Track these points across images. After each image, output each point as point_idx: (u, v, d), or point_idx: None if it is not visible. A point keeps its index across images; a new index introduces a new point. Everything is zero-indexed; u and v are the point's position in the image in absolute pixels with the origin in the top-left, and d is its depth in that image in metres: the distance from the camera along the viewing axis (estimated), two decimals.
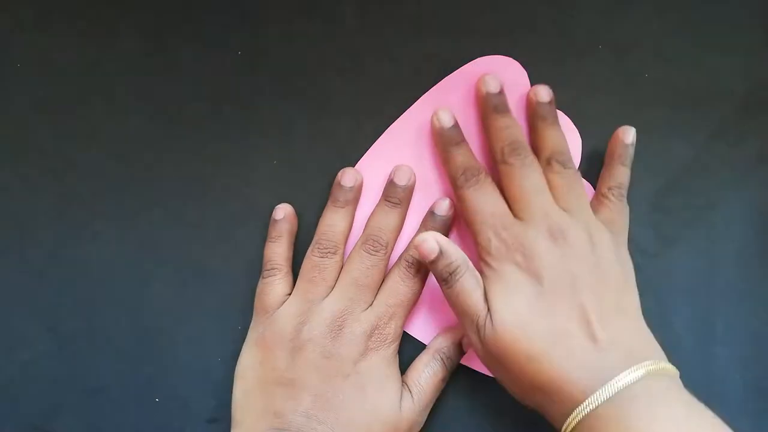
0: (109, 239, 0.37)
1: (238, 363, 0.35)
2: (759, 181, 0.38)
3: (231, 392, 0.35)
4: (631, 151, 0.36)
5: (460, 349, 0.36)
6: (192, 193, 0.38)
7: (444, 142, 0.36)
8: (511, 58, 0.38)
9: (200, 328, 0.36)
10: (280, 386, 0.33)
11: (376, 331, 0.34)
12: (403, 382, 0.35)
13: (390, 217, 0.36)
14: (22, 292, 0.37)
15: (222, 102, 0.38)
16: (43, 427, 0.36)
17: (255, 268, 0.37)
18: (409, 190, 0.37)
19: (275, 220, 0.36)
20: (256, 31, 0.38)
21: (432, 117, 0.36)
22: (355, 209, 0.37)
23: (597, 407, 0.28)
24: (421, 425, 0.35)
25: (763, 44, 0.38)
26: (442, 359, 0.35)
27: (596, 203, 0.36)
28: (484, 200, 0.34)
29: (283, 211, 0.36)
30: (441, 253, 0.32)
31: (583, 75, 0.38)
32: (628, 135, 0.36)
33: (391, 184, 0.36)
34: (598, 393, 0.28)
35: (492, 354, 0.32)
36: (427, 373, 0.35)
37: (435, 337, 0.36)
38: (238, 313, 0.37)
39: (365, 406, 0.33)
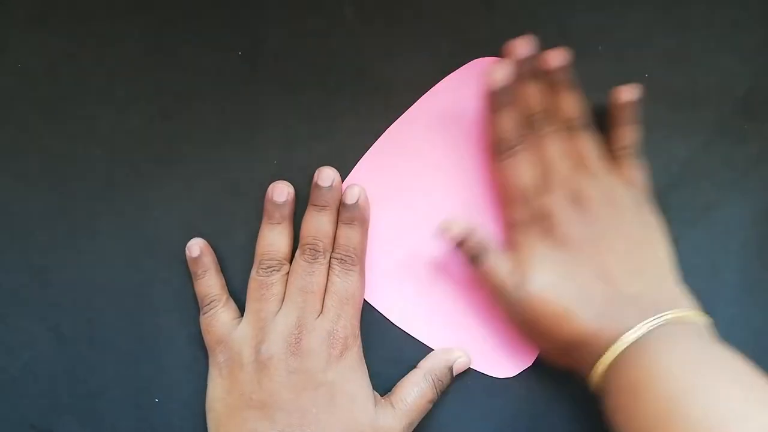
0: (109, 239, 0.37)
1: (206, 398, 0.35)
2: (759, 181, 0.38)
3: None
4: (633, 109, 0.36)
5: (451, 372, 0.36)
6: (192, 193, 0.38)
7: (493, 101, 0.35)
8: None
9: (200, 327, 0.36)
10: (251, 410, 0.33)
11: (332, 336, 0.34)
12: (388, 398, 0.35)
13: (320, 221, 0.36)
14: (22, 292, 0.37)
15: (222, 102, 0.38)
16: (42, 427, 0.36)
17: None
18: (335, 192, 0.36)
19: (195, 258, 0.36)
20: (256, 31, 0.38)
21: (488, 70, 0.34)
22: (291, 223, 0.37)
23: (620, 354, 0.30)
24: None
25: (763, 44, 0.38)
26: (432, 381, 0.35)
27: (611, 165, 0.36)
28: (515, 174, 0.35)
29: (198, 247, 0.36)
30: (467, 236, 0.34)
31: (583, 75, 0.38)
32: (626, 94, 0.36)
33: (315, 187, 0.36)
34: (620, 341, 0.30)
35: (527, 320, 0.33)
36: (416, 392, 0.35)
37: (428, 356, 0.36)
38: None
39: (339, 415, 0.33)
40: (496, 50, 0.38)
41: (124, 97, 0.38)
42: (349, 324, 0.35)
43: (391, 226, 0.37)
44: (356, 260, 0.36)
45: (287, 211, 0.36)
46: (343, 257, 0.35)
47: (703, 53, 0.39)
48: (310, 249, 0.35)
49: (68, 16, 0.38)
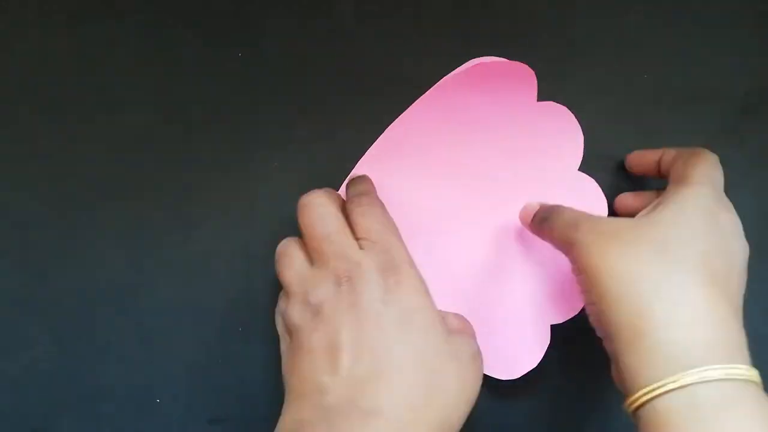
0: (109, 239, 0.37)
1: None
2: (759, 181, 0.38)
3: (232, 393, 0.35)
4: None
5: None
6: (192, 193, 0.38)
7: None
8: (520, 63, 0.37)
9: (200, 328, 0.36)
10: (312, 355, 0.30)
11: (383, 267, 0.31)
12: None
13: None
14: (22, 292, 0.37)
15: (222, 102, 0.38)
16: (42, 427, 0.36)
17: (255, 268, 0.37)
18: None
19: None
20: (256, 31, 0.38)
21: None
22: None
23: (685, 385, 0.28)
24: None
25: (763, 44, 0.38)
26: None
27: None
28: None
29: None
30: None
31: (583, 75, 0.38)
32: None
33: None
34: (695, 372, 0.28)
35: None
36: None
37: None
38: (239, 313, 0.37)
39: (411, 344, 0.30)
40: (496, 50, 0.38)
41: (124, 97, 0.38)
42: (395, 250, 0.32)
43: None
44: (371, 199, 0.34)
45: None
46: (358, 201, 0.33)
47: (703, 53, 0.39)
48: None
49: (68, 16, 0.38)
